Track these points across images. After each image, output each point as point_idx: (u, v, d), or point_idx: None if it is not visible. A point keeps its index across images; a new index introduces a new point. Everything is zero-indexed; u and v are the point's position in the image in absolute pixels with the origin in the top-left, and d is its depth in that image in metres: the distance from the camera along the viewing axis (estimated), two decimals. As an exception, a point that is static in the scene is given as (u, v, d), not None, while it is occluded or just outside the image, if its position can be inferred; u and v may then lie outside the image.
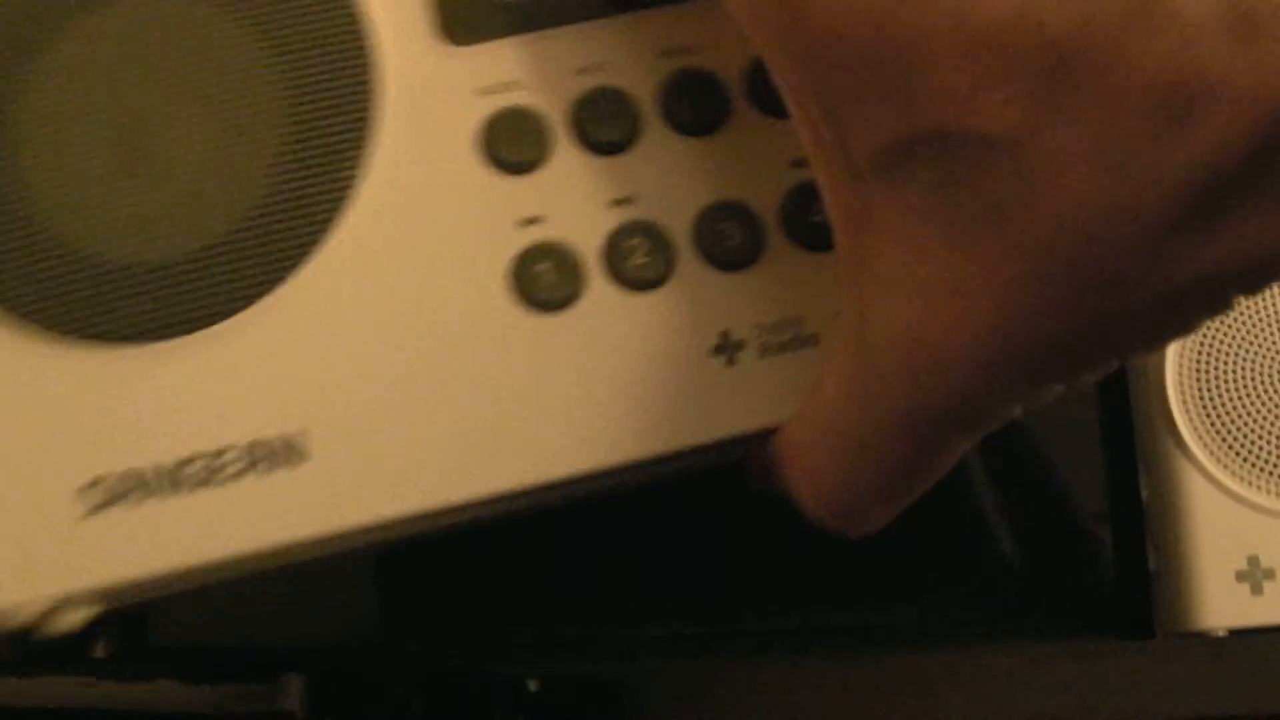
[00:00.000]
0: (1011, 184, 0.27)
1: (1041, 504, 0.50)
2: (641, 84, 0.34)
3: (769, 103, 0.35)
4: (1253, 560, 0.46)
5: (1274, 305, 0.48)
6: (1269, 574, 0.46)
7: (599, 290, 0.34)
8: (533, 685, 0.44)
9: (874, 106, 0.28)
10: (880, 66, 0.27)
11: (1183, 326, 0.29)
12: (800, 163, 0.35)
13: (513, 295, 0.34)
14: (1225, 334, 0.48)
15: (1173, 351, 0.48)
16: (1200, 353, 0.48)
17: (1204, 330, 0.48)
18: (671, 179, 0.34)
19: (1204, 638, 0.47)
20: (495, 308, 0.34)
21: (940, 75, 0.26)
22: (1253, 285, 0.28)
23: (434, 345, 0.33)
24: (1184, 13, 0.25)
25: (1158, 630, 0.48)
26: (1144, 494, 0.48)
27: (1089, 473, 0.50)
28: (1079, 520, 0.51)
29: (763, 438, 0.34)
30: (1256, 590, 0.46)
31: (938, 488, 0.33)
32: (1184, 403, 0.48)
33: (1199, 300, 0.28)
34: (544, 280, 0.34)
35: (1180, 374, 0.47)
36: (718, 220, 0.34)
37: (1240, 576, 0.46)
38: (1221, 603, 0.46)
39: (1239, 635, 0.47)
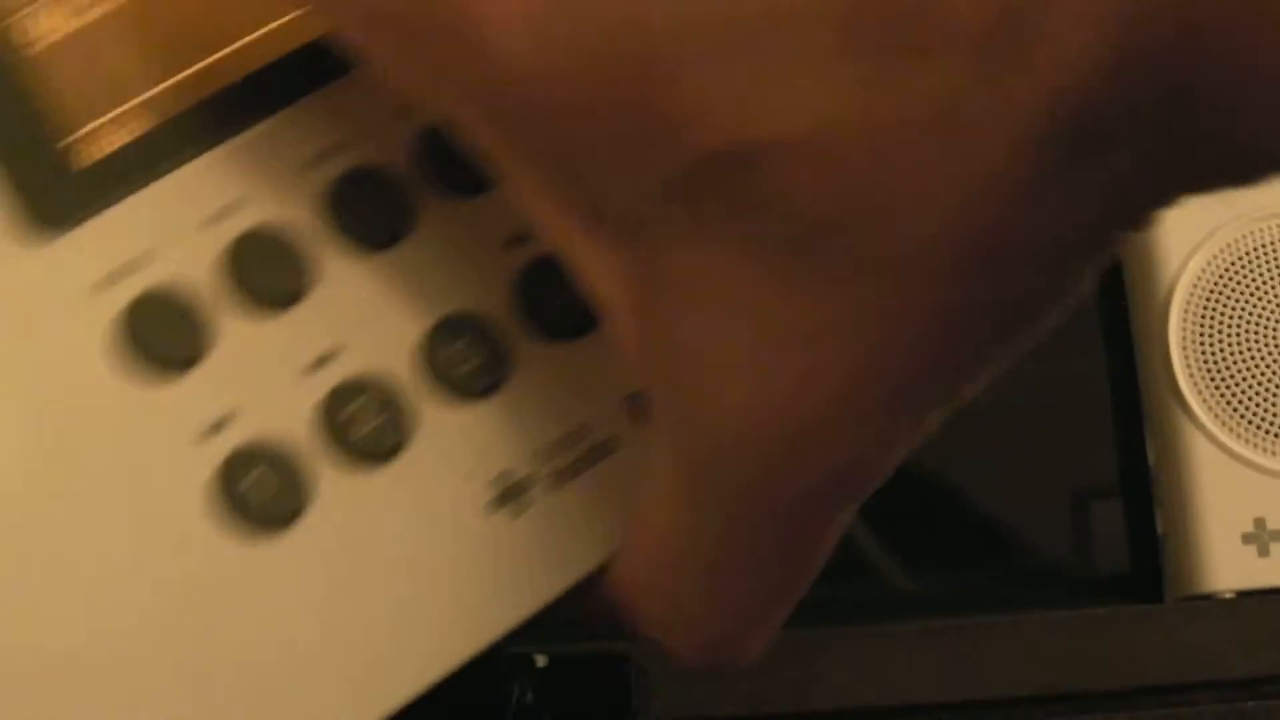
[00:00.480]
0: (833, 198, 0.21)
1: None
2: (297, 207, 0.27)
3: (456, 179, 0.27)
4: (1259, 523, 0.46)
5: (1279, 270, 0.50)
6: (1275, 536, 0.46)
7: (331, 481, 0.26)
8: (541, 661, 0.43)
9: (625, 148, 0.21)
10: (619, 99, 0.21)
11: (1070, 293, 0.22)
12: (521, 239, 0.27)
13: (224, 524, 0.26)
14: (1230, 300, 0.49)
15: (1176, 317, 0.48)
16: (1204, 318, 0.49)
17: (1208, 296, 0.49)
18: (372, 311, 0.27)
19: (1212, 600, 0.47)
20: (208, 545, 0.26)
21: (703, 86, 0.20)
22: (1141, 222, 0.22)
23: (148, 613, 0.25)
24: None
25: (1167, 595, 0.48)
26: (1151, 460, 0.48)
27: (1097, 441, 0.49)
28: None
29: (587, 587, 0.27)
30: (1263, 552, 0.46)
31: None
32: (1189, 369, 0.48)
33: (1081, 250, 0.22)
34: (259, 493, 0.26)
35: (1185, 340, 0.48)
36: (445, 343, 0.27)
37: (1247, 539, 0.46)
38: (1229, 565, 0.46)
39: (1246, 597, 0.47)
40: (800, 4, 0.21)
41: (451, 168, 0.27)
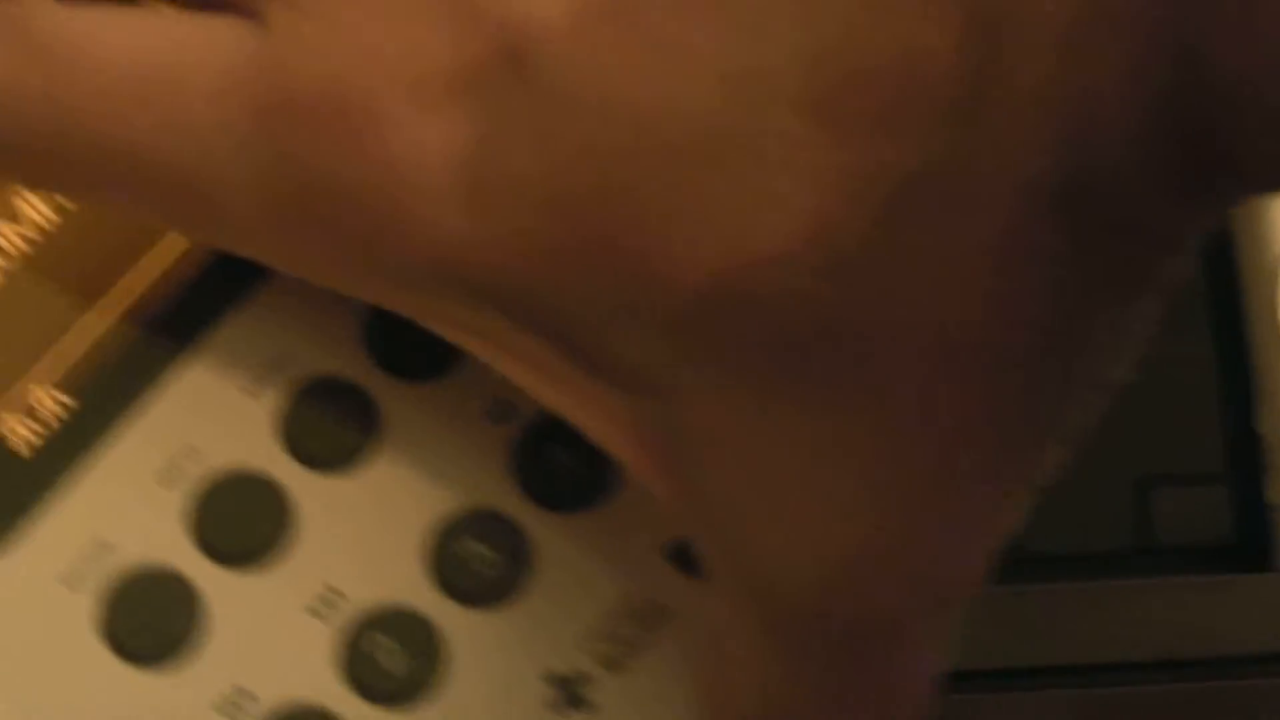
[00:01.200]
0: (846, 303, 0.18)
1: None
2: (250, 440, 0.24)
3: (415, 365, 0.24)
4: (1373, 489, 0.46)
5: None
6: (1388, 502, 0.45)
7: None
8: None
9: (605, 300, 0.19)
10: (585, 251, 0.19)
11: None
12: (504, 411, 0.24)
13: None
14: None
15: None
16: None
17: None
18: (363, 537, 0.24)
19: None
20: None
21: (672, 214, 0.18)
22: None
23: None
24: None
25: (1277, 562, 0.46)
26: (1261, 428, 0.45)
27: (1206, 410, 0.47)
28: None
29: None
30: (1377, 518, 0.46)
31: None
32: (1299, 331, 0.47)
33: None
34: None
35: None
36: (453, 549, 0.24)
37: (1359, 505, 0.46)
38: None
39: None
40: (755, 92, 0.18)
41: (405, 353, 0.24)
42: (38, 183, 0.23)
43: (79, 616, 0.23)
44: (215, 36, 0.21)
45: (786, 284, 0.18)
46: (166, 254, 0.24)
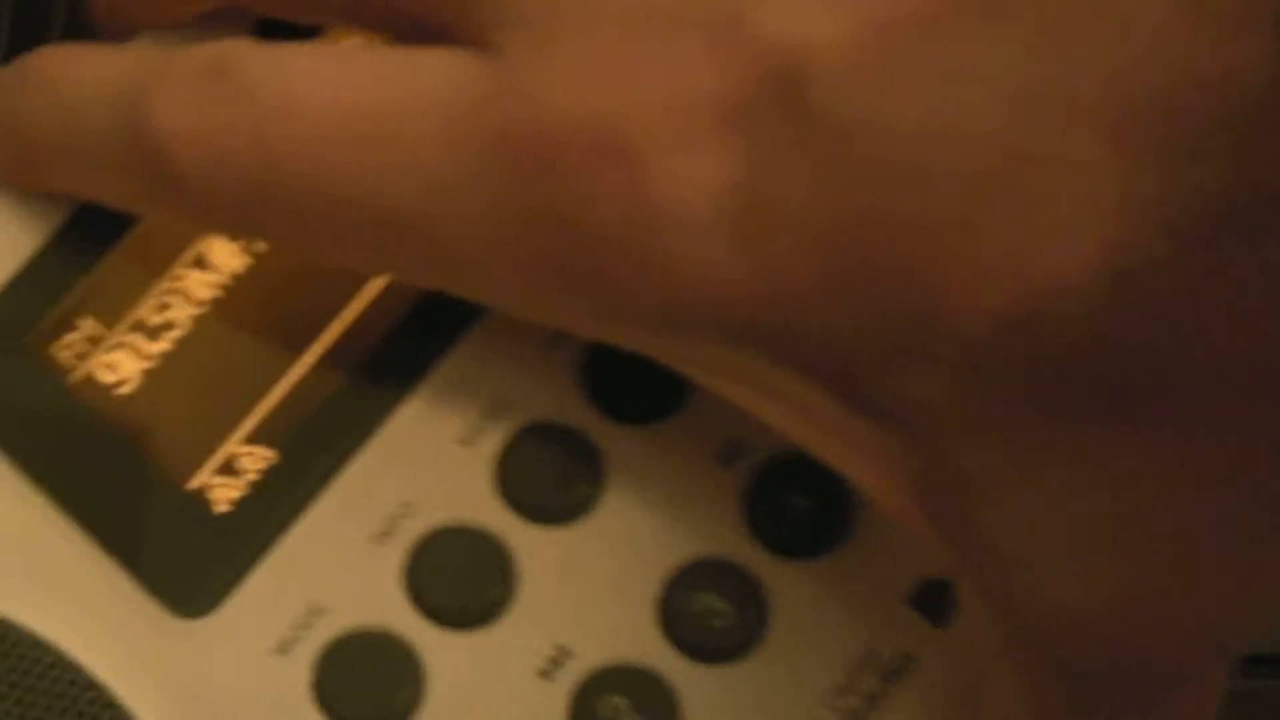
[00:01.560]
0: (1148, 337, 0.17)
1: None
2: (470, 494, 0.23)
3: (638, 406, 0.23)
4: None
5: None
6: None
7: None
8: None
9: (888, 338, 0.18)
10: (868, 285, 0.18)
11: None
12: (735, 450, 0.23)
13: None
14: None
15: None
16: None
17: None
18: (591, 592, 0.23)
19: None
20: None
21: (972, 244, 0.17)
22: None
23: None
24: None
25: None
26: None
27: None
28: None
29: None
30: None
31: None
32: None
33: None
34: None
35: None
36: (685, 604, 0.23)
37: None
38: None
39: None
40: (1049, 114, 0.16)
41: (627, 395, 0.23)
42: (245, 231, 0.22)
43: (293, 685, 0.22)
44: (442, 71, 0.19)
45: (1082, 316, 0.17)
46: (369, 297, 0.23)
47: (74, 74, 0.22)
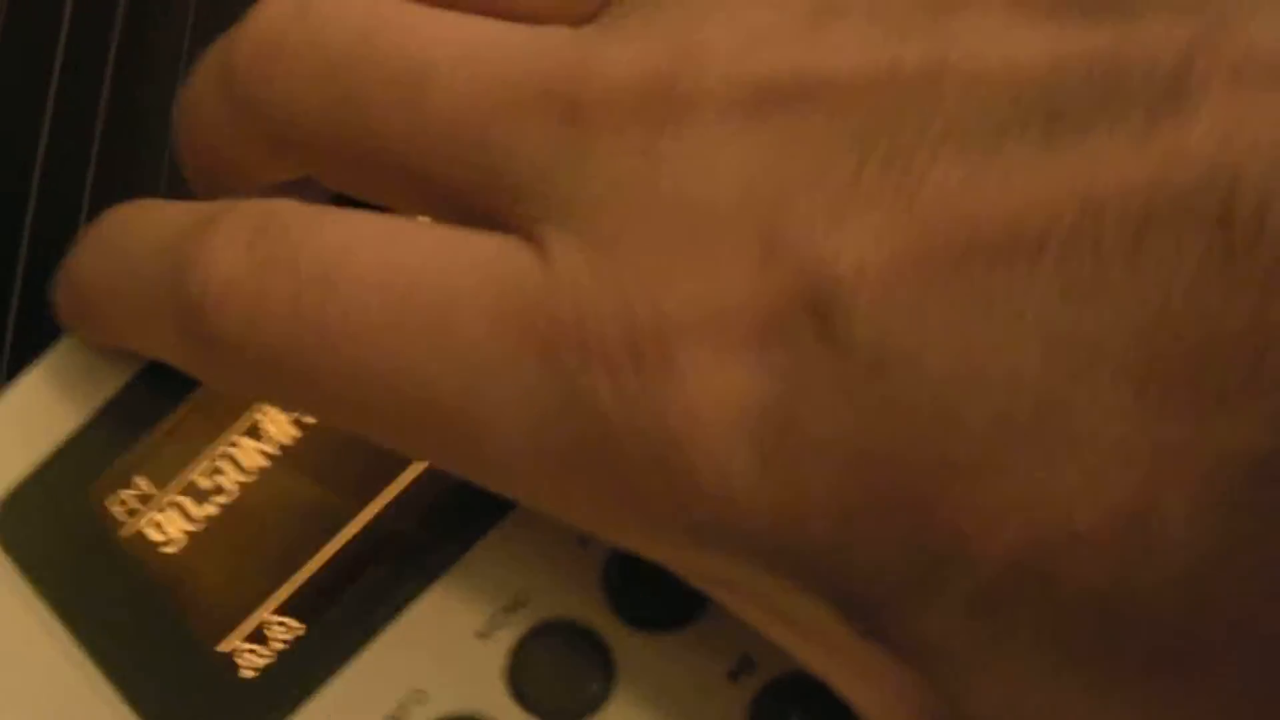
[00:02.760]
0: (1164, 595, 0.17)
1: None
2: (478, 687, 0.23)
3: (655, 614, 0.23)
4: None
5: None
6: None
7: None
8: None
9: (906, 571, 0.18)
10: (888, 520, 0.18)
11: None
12: (746, 667, 0.23)
13: None
14: None
15: None
16: None
17: None
18: None
19: None
20: None
21: (994, 487, 0.17)
22: None
23: None
24: None
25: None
26: None
27: None
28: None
29: None
30: None
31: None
32: None
33: None
34: None
35: None
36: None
37: None
38: None
39: None
40: (1078, 359, 0.16)
41: (646, 601, 0.23)
42: (276, 399, 0.23)
43: None
44: (488, 258, 0.20)
45: (1099, 564, 0.17)
46: (408, 479, 0.24)
47: (138, 223, 0.23)
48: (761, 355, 0.18)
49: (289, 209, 0.21)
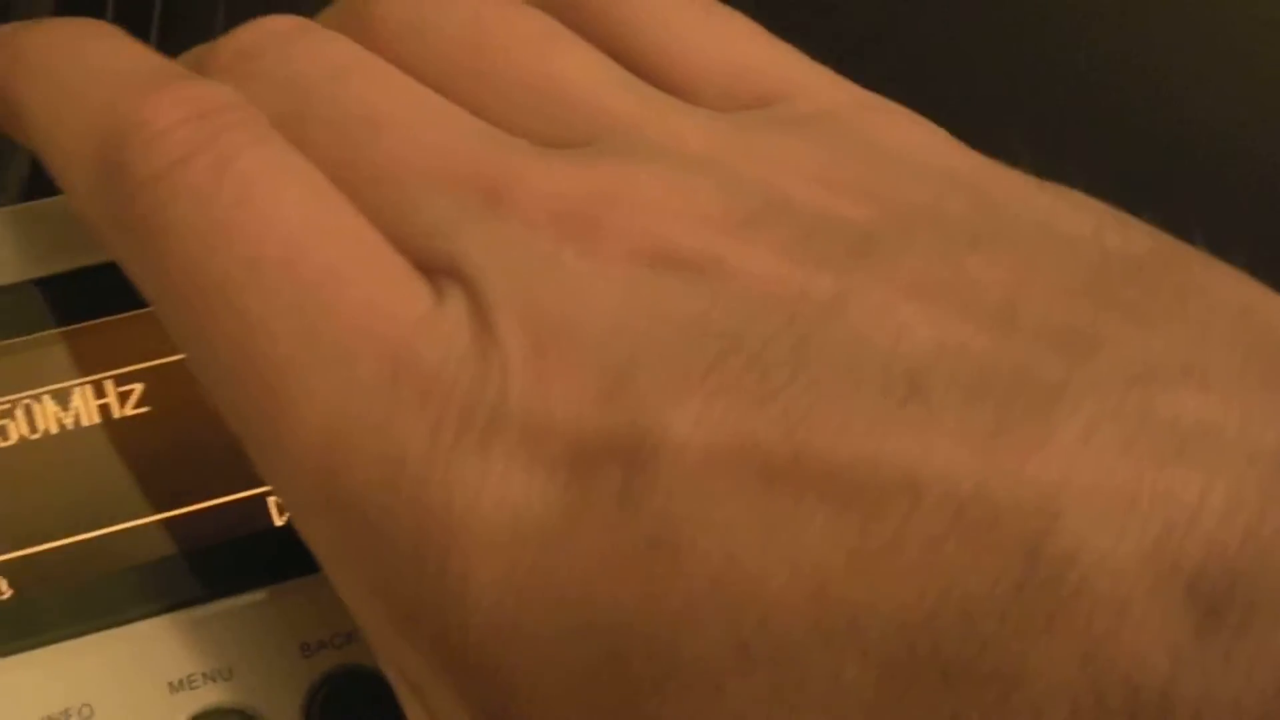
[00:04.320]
0: None
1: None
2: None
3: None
4: None
5: None
6: None
7: None
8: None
9: None
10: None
11: None
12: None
13: None
14: None
15: None
16: None
17: None
18: None
19: None
20: None
21: None
22: None
23: None
24: None
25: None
26: None
27: None
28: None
29: None
30: None
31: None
32: None
33: None
34: None
35: None
36: None
37: None
38: None
39: None
40: (839, 626, 0.16)
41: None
42: (136, 271, 0.21)
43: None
44: (387, 263, 0.20)
45: None
46: (169, 512, 0.24)
47: (102, 45, 0.23)
48: (563, 481, 0.18)
49: (248, 114, 0.21)
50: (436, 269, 0.19)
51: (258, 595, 0.23)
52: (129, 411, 0.24)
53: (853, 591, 0.16)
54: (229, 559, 0.23)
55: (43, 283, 0.24)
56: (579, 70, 0.22)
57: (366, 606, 0.19)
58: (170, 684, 0.23)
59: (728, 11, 0.23)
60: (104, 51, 0.23)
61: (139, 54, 0.23)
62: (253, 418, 0.20)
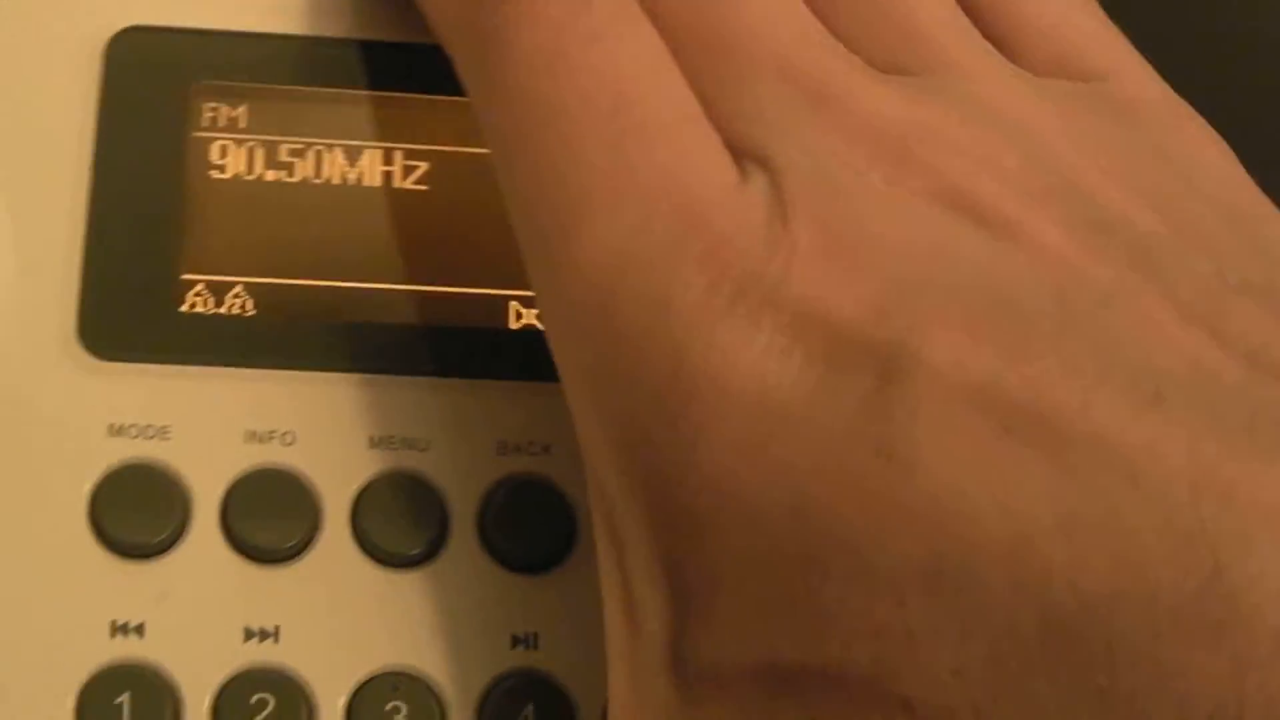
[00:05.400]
0: None
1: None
2: (336, 472, 0.24)
3: (501, 544, 0.24)
4: None
5: None
6: None
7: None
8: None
9: (750, 611, 0.19)
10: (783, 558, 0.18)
11: None
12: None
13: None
14: None
15: None
16: None
17: None
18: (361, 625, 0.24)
19: None
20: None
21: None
22: None
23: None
24: None
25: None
26: None
27: None
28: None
29: None
30: None
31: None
32: None
33: None
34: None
35: None
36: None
37: None
38: None
39: None
40: None
41: (505, 531, 0.24)
42: (465, 65, 0.23)
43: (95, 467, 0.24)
44: (704, 137, 0.21)
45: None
46: (440, 288, 0.25)
47: None
48: (818, 371, 0.18)
49: None
50: (747, 153, 0.20)
51: (471, 384, 0.25)
52: (408, 185, 0.25)
53: (1053, 551, 0.17)
54: (458, 344, 0.25)
55: (370, 46, 0.26)
56: (932, 8, 0.23)
57: (595, 428, 0.20)
58: (370, 438, 0.24)
59: None
60: None
61: None
62: (547, 234, 0.21)
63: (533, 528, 0.24)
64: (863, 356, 0.18)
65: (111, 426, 0.24)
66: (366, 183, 0.25)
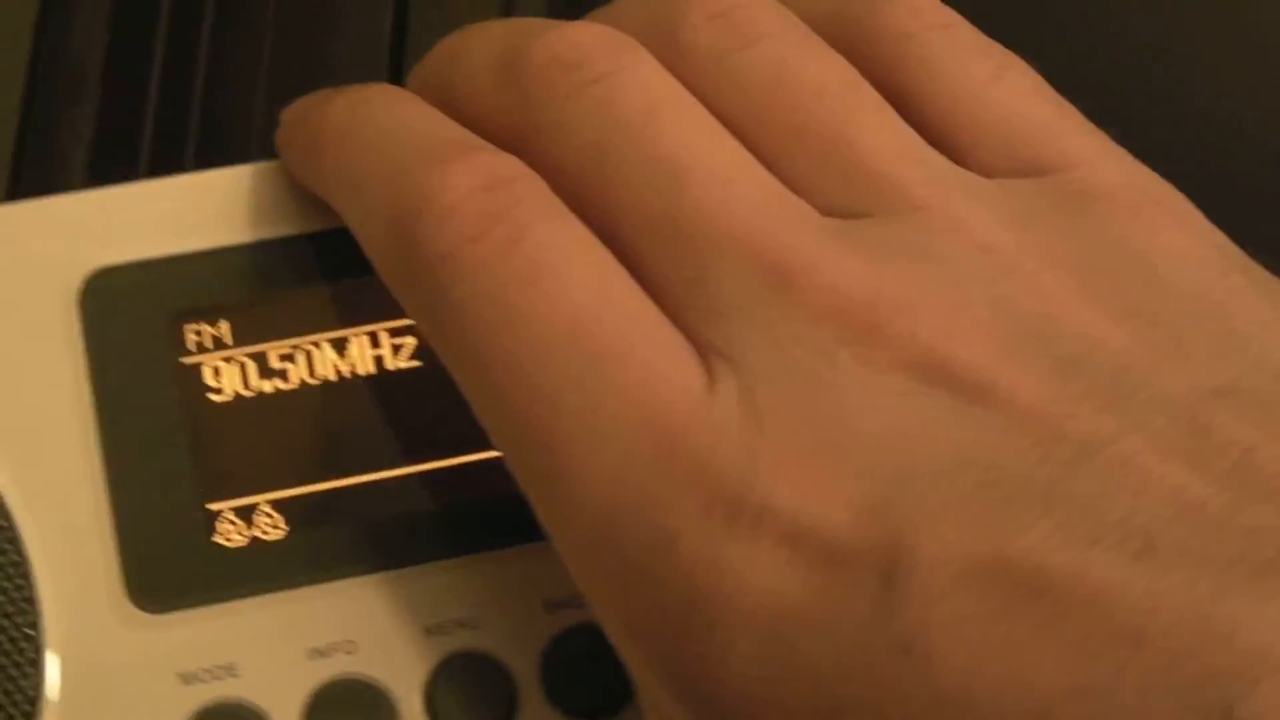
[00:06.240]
0: None
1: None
2: (401, 669, 0.25)
3: (571, 699, 0.25)
4: None
5: None
6: None
7: None
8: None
9: None
10: None
11: None
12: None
13: None
14: None
15: None
16: None
17: None
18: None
19: None
20: None
21: None
22: None
23: None
24: None
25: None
26: None
27: None
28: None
29: None
30: None
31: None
32: None
33: None
34: None
35: None
36: None
37: None
38: None
39: None
40: None
41: (571, 684, 0.25)
42: (422, 315, 0.23)
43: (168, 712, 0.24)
44: (665, 343, 0.21)
45: None
46: (438, 463, 0.26)
47: (399, 111, 0.24)
48: (822, 578, 0.19)
49: (534, 185, 0.22)
50: (712, 348, 0.21)
51: (508, 551, 0.25)
52: (401, 364, 0.26)
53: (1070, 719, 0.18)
54: (486, 515, 0.26)
55: (331, 235, 0.26)
56: (877, 136, 0.23)
57: (629, 646, 0.21)
58: (425, 628, 0.25)
59: (1019, 68, 0.24)
60: (395, 120, 0.24)
61: (428, 122, 0.24)
62: (537, 482, 0.22)
63: (595, 674, 0.25)
64: (862, 558, 0.19)
65: (181, 675, 0.24)
66: (361, 371, 0.26)
